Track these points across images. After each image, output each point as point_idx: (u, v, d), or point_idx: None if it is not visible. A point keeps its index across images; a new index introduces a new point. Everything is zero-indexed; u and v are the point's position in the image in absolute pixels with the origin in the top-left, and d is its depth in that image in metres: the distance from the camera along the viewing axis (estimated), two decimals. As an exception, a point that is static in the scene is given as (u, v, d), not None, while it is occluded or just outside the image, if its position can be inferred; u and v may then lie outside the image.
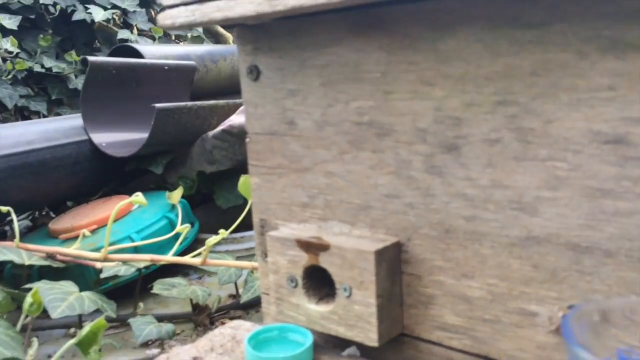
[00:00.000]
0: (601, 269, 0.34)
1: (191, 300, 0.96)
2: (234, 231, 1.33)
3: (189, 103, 1.33)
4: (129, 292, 1.06)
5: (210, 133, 1.39)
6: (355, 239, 0.46)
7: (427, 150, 0.41)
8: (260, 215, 0.55)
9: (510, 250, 0.38)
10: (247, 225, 1.45)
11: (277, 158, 0.52)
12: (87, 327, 0.61)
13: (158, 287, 0.89)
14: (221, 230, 0.86)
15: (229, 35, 2.63)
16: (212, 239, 0.86)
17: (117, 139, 1.41)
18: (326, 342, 0.49)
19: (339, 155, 0.47)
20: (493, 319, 0.40)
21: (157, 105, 1.23)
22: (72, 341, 0.61)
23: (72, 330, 0.97)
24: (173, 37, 2.57)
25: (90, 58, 1.39)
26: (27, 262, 0.95)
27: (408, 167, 0.43)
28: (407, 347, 0.46)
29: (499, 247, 0.39)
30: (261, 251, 0.56)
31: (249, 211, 1.29)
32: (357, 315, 0.44)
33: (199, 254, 0.96)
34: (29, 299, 0.67)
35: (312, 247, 0.46)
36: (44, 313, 0.91)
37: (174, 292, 0.89)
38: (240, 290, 1.02)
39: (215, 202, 1.51)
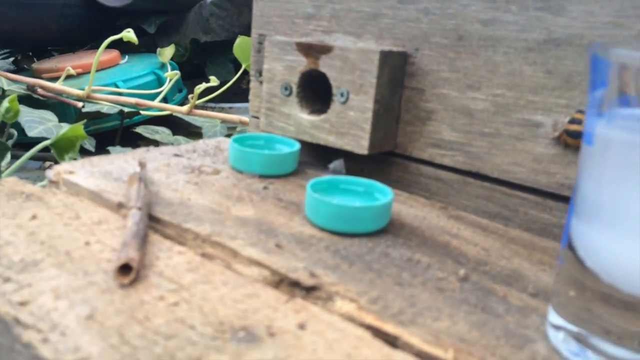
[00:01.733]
0: (620, 72, 0.32)
1: (173, 150, 0.94)
2: (223, 101, 1.30)
3: (192, -39, 1.25)
4: (109, 141, 1.04)
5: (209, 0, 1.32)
6: (361, 46, 0.43)
7: (454, -54, 0.38)
8: (259, 31, 0.52)
9: (525, 55, 0.36)
10: (237, 98, 1.42)
11: (286, -36, 0.48)
12: (63, 130, 0.58)
13: (141, 128, 0.87)
14: (212, 77, 0.83)
15: None
16: (201, 85, 0.83)
17: (111, -11, 1.34)
18: (309, 162, 0.47)
19: (355, -43, 0.44)
20: (493, 132, 0.38)
21: (158, -47, 1.16)
22: (47, 142, 0.59)
23: (48, 164, 0.95)
24: None
25: None
26: (6, 88, 0.91)
27: (430, -33, 0.40)
28: (396, 169, 0.45)
29: (514, 52, 0.36)
30: (255, 70, 0.53)
31: (239, 80, 1.24)
32: (350, 122, 0.42)
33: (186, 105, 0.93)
34: (5, 104, 0.64)
35: (313, 49, 0.43)
36: (21, 148, 0.88)
37: (157, 137, 0.86)
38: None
39: (206, 76, 1.47)
